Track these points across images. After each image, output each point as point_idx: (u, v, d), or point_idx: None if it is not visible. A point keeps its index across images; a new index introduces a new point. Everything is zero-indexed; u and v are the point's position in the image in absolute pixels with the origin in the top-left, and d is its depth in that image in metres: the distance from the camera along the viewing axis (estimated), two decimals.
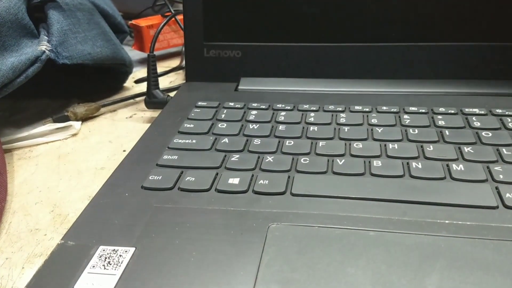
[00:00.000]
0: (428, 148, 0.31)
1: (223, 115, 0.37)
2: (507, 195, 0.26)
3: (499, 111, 0.35)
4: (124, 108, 0.49)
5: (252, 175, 0.29)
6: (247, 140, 0.33)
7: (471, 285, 0.20)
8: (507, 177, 0.27)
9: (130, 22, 0.62)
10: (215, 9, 0.43)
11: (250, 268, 0.22)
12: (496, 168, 0.28)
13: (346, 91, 0.41)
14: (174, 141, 0.34)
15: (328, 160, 0.30)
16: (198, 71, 0.44)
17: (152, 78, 0.45)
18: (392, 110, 0.36)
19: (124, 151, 0.40)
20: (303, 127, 0.35)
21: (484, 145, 0.31)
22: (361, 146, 0.32)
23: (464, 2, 0.39)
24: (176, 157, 0.31)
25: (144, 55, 0.64)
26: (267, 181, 0.28)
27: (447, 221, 0.24)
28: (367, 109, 0.37)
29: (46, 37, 0.42)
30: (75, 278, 0.22)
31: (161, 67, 0.58)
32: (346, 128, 0.34)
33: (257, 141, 0.33)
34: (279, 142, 0.33)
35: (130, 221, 0.25)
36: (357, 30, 0.41)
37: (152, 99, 0.45)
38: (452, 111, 0.36)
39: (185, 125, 0.36)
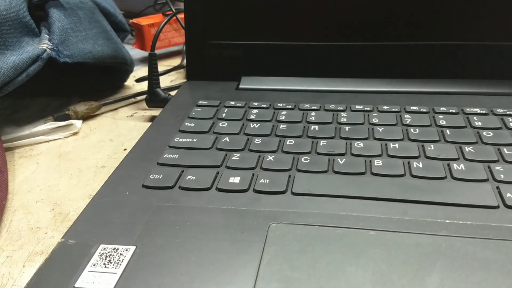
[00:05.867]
0: (429, 148, 0.31)
1: (224, 114, 0.37)
2: (508, 194, 0.26)
3: (500, 110, 0.35)
4: (125, 107, 0.49)
5: (253, 174, 0.29)
6: (247, 139, 0.33)
7: (471, 284, 0.20)
8: (508, 177, 0.27)
9: (131, 20, 0.62)
10: (216, 8, 0.42)
11: (250, 267, 0.22)
12: (497, 167, 0.28)
13: (347, 90, 0.41)
14: (175, 140, 0.34)
15: (329, 159, 0.30)
16: (199, 70, 0.44)
17: (153, 77, 0.45)
18: (393, 109, 0.36)
19: (125, 149, 0.40)
20: (304, 126, 0.35)
21: (485, 144, 0.31)
22: (362, 145, 0.32)
23: (465, 1, 0.39)
24: (176, 156, 0.31)
25: (145, 54, 0.64)
26: (267, 180, 0.28)
27: (447, 221, 0.24)
28: (368, 108, 0.37)
29: (47, 36, 0.42)
30: (76, 276, 0.22)
31: (162, 66, 0.58)
32: (347, 127, 0.34)
33: (258, 140, 0.33)
34: (280, 141, 0.33)
35: (130, 219, 0.26)
36: (358, 29, 0.41)
37: (153, 98, 0.45)
38: (453, 111, 0.36)
39: (186, 124, 0.36)
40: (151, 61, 0.44)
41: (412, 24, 0.40)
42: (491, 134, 0.32)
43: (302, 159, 0.30)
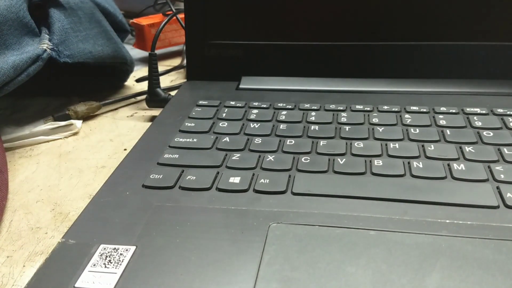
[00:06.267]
0: (429, 148, 0.31)
1: (224, 114, 0.37)
2: (508, 194, 0.26)
3: (500, 110, 0.35)
4: (125, 107, 0.49)
5: (253, 174, 0.29)
6: (248, 139, 0.33)
7: (472, 284, 0.20)
8: (508, 177, 0.27)
9: (131, 20, 0.62)
10: (216, 8, 0.42)
11: (250, 267, 0.22)
12: (497, 167, 0.28)
13: (347, 90, 0.41)
14: (175, 140, 0.34)
15: (329, 159, 0.30)
16: (199, 70, 0.44)
17: (153, 77, 0.45)
18: (393, 109, 0.36)
19: (125, 149, 0.40)
20: (304, 126, 0.35)
21: (485, 144, 0.31)
22: (362, 145, 0.32)
23: (465, 1, 0.39)
24: (177, 156, 0.31)
25: (145, 53, 0.64)
26: (267, 180, 0.28)
27: (447, 221, 0.24)
28: (368, 108, 0.37)
29: (47, 36, 0.42)
30: (76, 276, 0.22)
31: (162, 66, 0.58)
32: (347, 127, 0.34)
33: (258, 140, 0.33)
34: (280, 141, 0.33)
35: (131, 219, 0.26)
36: (358, 29, 0.41)
37: (153, 98, 0.45)
38: (453, 111, 0.36)
39: (186, 124, 0.36)
40: (151, 61, 0.44)
41: (412, 24, 0.40)
42: (491, 134, 0.32)
43: (302, 159, 0.30)
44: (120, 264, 0.22)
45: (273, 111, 0.37)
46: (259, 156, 0.31)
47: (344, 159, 0.30)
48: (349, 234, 0.23)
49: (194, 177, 0.29)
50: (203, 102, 0.39)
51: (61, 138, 0.43)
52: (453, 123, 0.34)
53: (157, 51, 0.50)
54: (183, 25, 0.55)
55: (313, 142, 0.32)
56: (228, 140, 0.33)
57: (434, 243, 0.23)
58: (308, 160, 0.30)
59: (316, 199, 0.27)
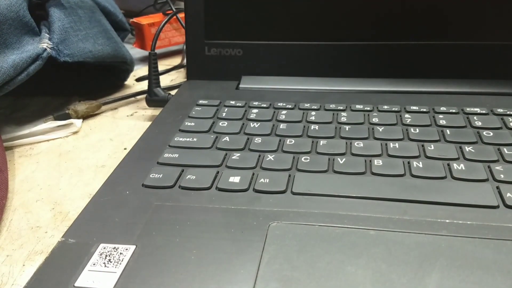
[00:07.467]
0: (429, 147, 0.31)
1: (224, 114, 0.37)
2: (508, 194, 0.26)
3: (500, 110, 0.35)
4: (125, 106, 0.49)
5: (253, 174, 0.29)
6: (248, 139, 0.33)
7: (471, 284, 0.20)
8: (508, 177, 0.27)
9: (131, 20, 0.62)
10: (217, 7, 0.42)
11: (250, 266, 0.22)
12: (497, 167, 0.28)
13: (347, 90, 0.41)
14: (175, 139, 0.34)
15: (329, 159, 0.30)
16: (199, 69, 0.44)
17: (153, 76, 0.45)
18: (393, 109, 0.36)
19: (125, 149, 0.40)
20: (304, 126, 0.35)
21: (485, 144, 0.31)
22: (362, 145, 0.32)
23: (465, 1, 0.39)
24: (177, 155, 0.31)
25: (145, 53, 0.64)
26: (267, 180, 0.28)
27: (447, 220, 0.24)
28: (368, 108, 0.37)
29: (47, 35, 0.42)
30: (76, 275, 0.22)
31: (162, 65, 0.58)
32: (347, 127, 0.34)
33: (258, 139, 0.33)
34: (280, 140, 0.33)
35: (130, 219, 0.26)
36: (358, 29, 0.41)
37: (153, 97, 0.45)
38: (453, 111, 0.36)
39: (186, 123, 0.36)
40: (151, 60, 0.44)
41: (412, 24, 0.40)
42: (491, 134, 0.32)
43: (302, 159, 0.30)
44: (120, 264, 0.22)
45: (273, 110, 0.37)
46: (259, 156, 0.31)
47: (344, 159, 0.30)
48: (349, 233, 0.23)
49: (194, 177, 0.29)
50: (203, 102, 0.39)
51: (61, 137, 0.43)
52: (453, 123, 0.34)
53: (157, 50, 0.50)
54: (183, 24, 0.55)
55: (313, 141, 0.32)
56: (228, 140, 0.33)
57: (434, 243, 0.23)
58: (308, 160, 0.30)
59: (316, 198, 0.27)
